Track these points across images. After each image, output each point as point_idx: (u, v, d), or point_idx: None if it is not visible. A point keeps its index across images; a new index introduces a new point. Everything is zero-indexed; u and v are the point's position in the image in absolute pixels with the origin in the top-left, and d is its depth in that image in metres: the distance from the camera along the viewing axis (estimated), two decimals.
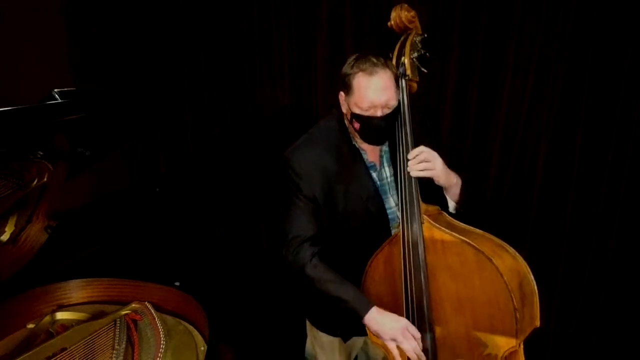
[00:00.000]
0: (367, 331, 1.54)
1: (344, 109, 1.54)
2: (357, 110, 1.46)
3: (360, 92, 1.43)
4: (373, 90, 1.41)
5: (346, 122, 1.57)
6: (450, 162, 1.56)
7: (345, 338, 1.75)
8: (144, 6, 2.65)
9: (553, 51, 2.10)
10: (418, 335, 1.41)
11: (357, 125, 1.48)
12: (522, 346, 1.39)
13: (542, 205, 2.27)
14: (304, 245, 1.51)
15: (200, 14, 2.60)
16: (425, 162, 1.41)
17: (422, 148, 1.42)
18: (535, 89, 2.16)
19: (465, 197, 1.53)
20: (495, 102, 2.23)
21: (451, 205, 1.55)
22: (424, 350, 1.43)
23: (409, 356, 1.41)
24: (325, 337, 1.79)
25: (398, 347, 1.43)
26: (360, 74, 1.43)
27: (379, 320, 1.43)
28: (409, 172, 1.42)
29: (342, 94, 1.52)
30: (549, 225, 2.28)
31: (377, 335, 1.45)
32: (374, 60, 1.43)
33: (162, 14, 2.65)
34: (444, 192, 1.53)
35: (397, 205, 1.60)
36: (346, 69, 1.48)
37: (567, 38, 2.07)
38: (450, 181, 1.48)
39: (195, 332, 1.61)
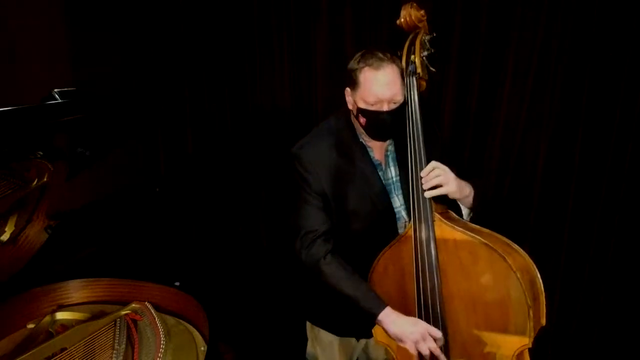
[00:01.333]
0: (374, 331, 1.53)
1: (350, 105, 1.54)
2: (363, 105, 1.46)
3: (366, 86, 1.43)
4: (379, 85, 1.41)
5: (352, 118, 1.56)
6: (452, 163, 1.57)
7: (347, 335, 1.75)
8: (144, 6, 2.65)
9: (553, 51, 2.10)
10: (439, 335, 1.40)
11: (363, 120, 1.48)
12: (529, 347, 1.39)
13: (542, 205, 2.27)
14: (317, 240, 1.51)
15: (201, 14, 2.60)
16: (438, 177, 1.40)
17: (434, 164, 1.42)
18: (535, 89, 2.16)
19: (477, 203, 1.53)
20: (495, 102, 2.23)
21: (465, 212, 1.54)
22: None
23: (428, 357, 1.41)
24: (326, 338, 1.78)
25: (403, 348, 1.43)
26: (366, 68, 1.43)
27: (398, 323, 1.42)
28: (423, 189, 1.42)
29: (348, 89, 1.52)
30: (549, 225, 2.28)
31: (398, 339, 1.43)
32: (381, 55, 1.43)
33: (162, 14, 2.65)
34: (458, 201, 1.53)
35: (401, 205, 1.61)
36: (352, 64, 1.48)
37: (567, 38, 2.07)
38: (463, 193, 1.47)
39: (195, 332, 1.61)
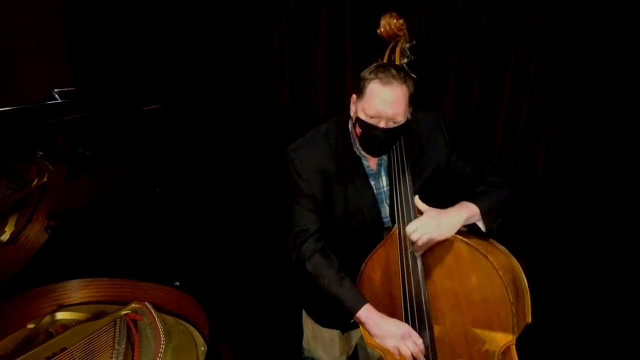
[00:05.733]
0: (363, 333, 1.55)
1: (352, 112, 1.53)
2: (362, 116, 1.45)
3: (370, 99, 1.42)
4: (382, 101, 1.40)
5: (350, 126, 1.57)
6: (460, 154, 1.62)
7: (344, 330, 1.77)
8: (144, 6, 2.65)
9: (553, 51, 2.10)
10: (420, 341, 1.43)
11: (358, 130, 1.48)
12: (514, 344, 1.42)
13: (542, 205, 2.27)
14: (308, 240, 1.55)
15: (201, 14, 2.60)
16: (421, 240, 1.39)
17: (410, 227, 1.40)
18: (535, 89, 2.16)
19: (491, 219, 1.48)
20: (495, 101, 2.23)
21: (482, 227, 1.49)
22: (425, 350, 1.44)
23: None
24: (325, 332, 1.80)
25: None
26: (375, 81, 1.42)
27: (380, 324, 1.45)
28: (405, 187, 1.47)
29: (354, 96, 1.51)
30: (549, 225, 2.28)
31: (380, 340, 1.46)
32: (394, 72, 1.42)
33: (162, 14, 2.65)
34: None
35: (389, 214, 1.62)
36: (364, 73, 1.47)
37: (568, 37, 2.07)
38: (456, 229, 1.43)
39: (195, 332, 1.61)
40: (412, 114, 1.50)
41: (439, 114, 1.74)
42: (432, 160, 1.61)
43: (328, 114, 2.44)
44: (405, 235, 1.45)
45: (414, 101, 1.49)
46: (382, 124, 1.43)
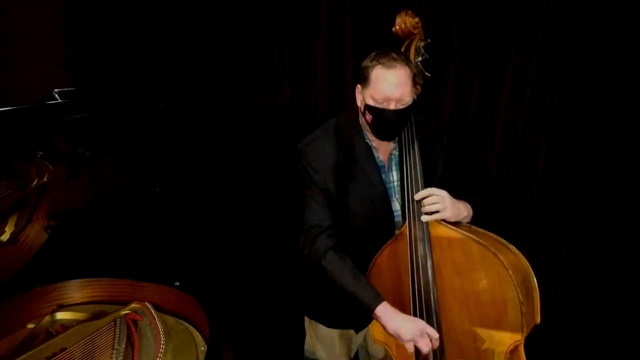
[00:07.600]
0: (370, 329, 1.55)
1: (359, 102, 1.55)
2: (371, 102, 1.47)
3: (376, 84, 1.45)
4: (389, 84, 1.43)
5: (360, 117, 1.58)
6: (454, 172, 1.64)
7: (345, 327, 1.77)
8: (144, 6, 2.65)
9: (553, 51, 2.10)
10: (436, 335, 1.42)
11: (369, 117, 1.50)
12: (523, 344, 1.41)
13: (542, 205, 2.27)
14: (320, 236, 1.55)
15: (201, 14, 2.61)
16: (435, 204, 1.44)
17: (431, 190, 1.46)
18: (535, 89, 2.16)
19: (475, 221, 1.55)
20: (495, 102, 2.23)
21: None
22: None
23: (427, 356, 1.43)
24: (326, 332, 1.80)
25: (402, 347, 1.45)
26: (378, 66, 1.44)
27: (396, 319, 1.44)
28: (420, 211, 1.46)
29: (359, 86, 1.53)
30: (549, 225, 2.28)
31: (395, 335, 1.45)
32: (394, 55, 1.45)
33: (162, 14, 2.65)
34: None
35: (400, 209, 1.62)
36: (366, 62, 1.49)
37: (568, 38, 2.07)
38: (460, 217, 1.50)
39: (195, 332, 1.61)
40: (414, 115, 1.51)
41: (441, 121, 1.74)
42: (426, 165, 1.62)
43: (328, 114, 2.44)
44: (415, 234, 1.45)
45: (417, 100, 1.50)
46: (392, 106, 1.45)
